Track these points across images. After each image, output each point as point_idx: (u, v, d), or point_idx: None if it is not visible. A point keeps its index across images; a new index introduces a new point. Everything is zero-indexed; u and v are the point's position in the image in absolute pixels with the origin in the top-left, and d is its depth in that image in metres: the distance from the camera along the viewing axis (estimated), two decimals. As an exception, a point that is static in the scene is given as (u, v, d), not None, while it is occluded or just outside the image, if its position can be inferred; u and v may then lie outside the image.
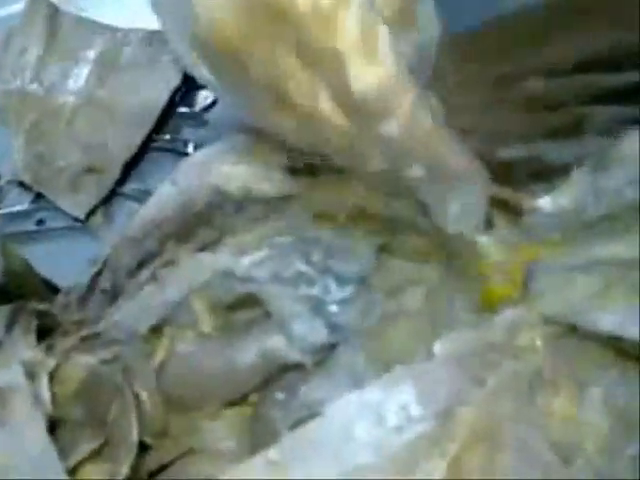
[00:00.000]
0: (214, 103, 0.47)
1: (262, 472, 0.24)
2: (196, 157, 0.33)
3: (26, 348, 0.28)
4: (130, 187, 0.45)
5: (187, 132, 0.46)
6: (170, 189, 0.32)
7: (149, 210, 0.33)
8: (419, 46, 0.24)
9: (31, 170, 0.47)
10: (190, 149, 0.46)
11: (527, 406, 0.23)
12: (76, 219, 0.43)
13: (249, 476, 0.24)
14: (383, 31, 0.23)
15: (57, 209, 0.44)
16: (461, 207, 0.25)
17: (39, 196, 0.45)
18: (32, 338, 0.29)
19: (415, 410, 0.24)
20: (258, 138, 0.32)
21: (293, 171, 0.31)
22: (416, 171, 0.25)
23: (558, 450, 0.23)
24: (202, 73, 0.29)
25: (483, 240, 0.28)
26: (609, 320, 0.24)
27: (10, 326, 0.29)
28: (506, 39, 0.34)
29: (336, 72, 0.24)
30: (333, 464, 0.24)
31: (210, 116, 0.46)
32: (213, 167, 0.31)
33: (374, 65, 0.23)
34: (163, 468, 0.27)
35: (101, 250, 0.35)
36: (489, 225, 0.29)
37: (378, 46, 0.23)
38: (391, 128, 0.24)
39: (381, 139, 0.24)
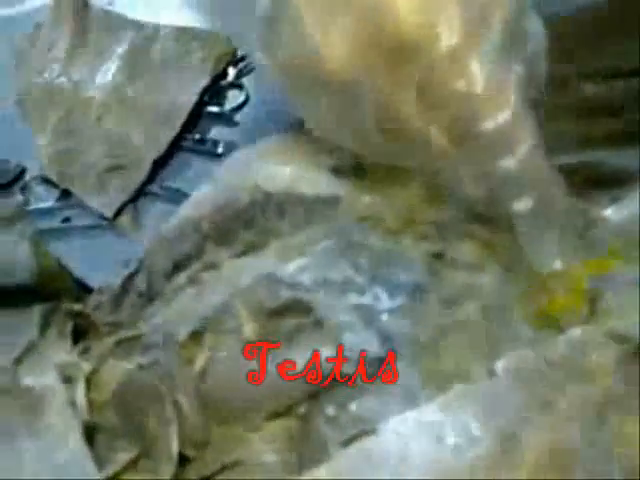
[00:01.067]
0: (244, 103, 0.46)
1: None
2: (238, 156, 0.31)
3: (61, 351, 0.27)
4: (158, 187, 0.44)
5: (217, 132, 0.45)
6: (210, 188, 0.31)
7: (187, 210, 0.31)
8: (529, 61, 0.24)
9: (57, 167, 0.46)
10: (220, 150, 0.45)
11: (597, 431, 0.22)
12: (103, 217, 0.42)
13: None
14: (511, 73, 0.24)
15: (84, 207, 0.43)
16: (558, 245, 0.25)
17: (65, 193, 0.44)
18: (67, 341, 0.28)
19: (476, 430, 0.23)
20: (303, 138, 0.31)
21: (339, 172, 0.29)
22: (523, 204, 0.24)
23: (630, 475, 0.22)
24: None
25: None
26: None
27: (44, 327, 0.28)
28: (564, 40, 0.33)
29: (458, 110, 0.24)
30: (387, 484, 0.23)
31: (240, 116, 0.45)
32: (256, 166, 0.30)
33: (502, 107, 0.24)
34: (204, 480, 0.25)
35: (128, 249, 0.35)
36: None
37: (506, 89, 0.24)
38: (509, 164, 0.25)
39: (496, 172, 0.24)
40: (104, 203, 0.42)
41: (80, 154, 0.44)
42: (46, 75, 0.49)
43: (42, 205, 0.43)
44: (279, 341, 0.26)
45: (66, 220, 0.42)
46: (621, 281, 0.25)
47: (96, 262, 0.36)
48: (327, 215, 0.29)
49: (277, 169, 0.30)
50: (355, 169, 0.29)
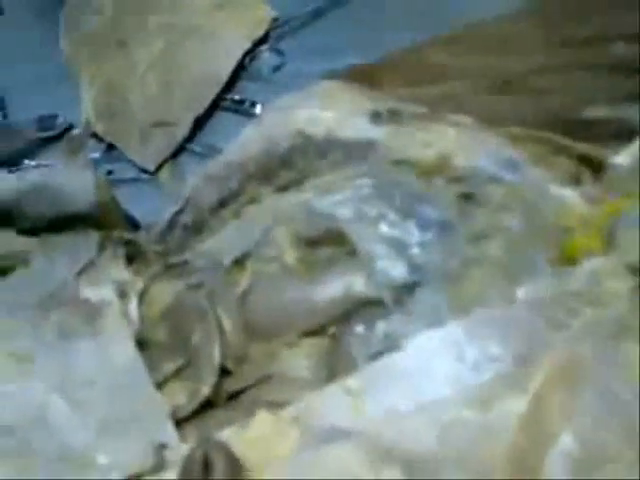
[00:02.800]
0: (282, 65, 0.48)
1: (339, 399, 0.25)
2: (281, 102, 0.33)
3: (116, 269, 0.29)
4: (198, 144, 0.46)
5: (255, 93, 0.47)
6: (255, 131, 0.33)
7: (233, 151, 0.33)
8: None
9: (103, 122, 0.48)
10: (258, 110, 0.47)
11: (609, 351, 0.24)
12: (145, 171, 0.44)
13: (326, 402, 0.25)
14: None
15: (127, 161, 0.45)
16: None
17: (110, 147, 0.46)
18: (121, 261, 0.30)
19: (495, 350, 0.25)
20: (344, 86, 0.32)
21: (377, 118, 0.31)
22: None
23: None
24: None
25: (568, 194, 0.28)
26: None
27: (101, 249, 0.30)
28: (592, 2, 0.34)
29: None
30: (411, 396, 0.25)
31: (278, 78, 0.47)
32: (298, 111, 0.32)
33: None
34: (242, 392, 0.28)
35: (167, 203, 0.37)
36: (575, 180, 0.29)
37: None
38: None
39: None
40: (146, 158, 0.45)
41: (124, 111, 0.47)
42: (93, 34, 0.51)
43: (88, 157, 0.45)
44: (316, 267, 0.28)
45: (109, 173, 0.45)
46: (636, 219, 0.26)
47: (136, 215, 0.38)
48: (364, 157, 0.30)
49: (318, 114, 0.32)
50: (393, 114, 0.31)
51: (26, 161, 0.46)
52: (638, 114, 0.31)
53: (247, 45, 0.48)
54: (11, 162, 0.46)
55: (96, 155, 0.47)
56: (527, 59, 0.31)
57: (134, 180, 0.46)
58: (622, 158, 0.28)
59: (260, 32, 0.49)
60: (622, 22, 0.33)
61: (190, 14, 0.50)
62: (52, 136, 0.48)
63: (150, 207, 0.39)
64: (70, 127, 0.48)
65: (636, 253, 0.25)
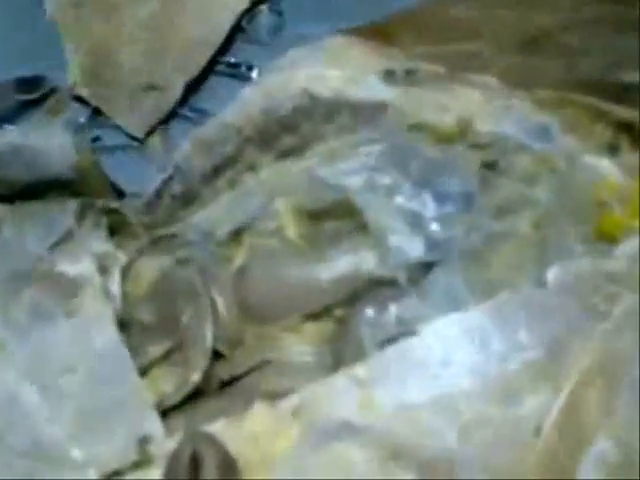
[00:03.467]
0: (281, 27, 0.45)
1: (346, 390, 0.22)
2: (284, 59, 0.30)
3: (97, 241, 0.26)
4: (190, 109, 0.43)
5: (252, 56, 0.44)
6: (254, 92, 0.30)
7: (229, 113, 0.30)
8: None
9: (89, 85, 0.45)
10: (254, 74, 0.44)
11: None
12: (133, 138, 0.41)
13: (331, 393, 0.22)
14: None
15: (114, 127, 0.41)
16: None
17: (97, 112, 0.43)
18: (103, 232, 0.27)
19: (523, 337, 0.22)
20: (354, 40, 0.29)
21: (391, 77, 0.28)
22: None
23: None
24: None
25: (604, 164, 0.25)
26: None
27: (81, 218, 0.27)
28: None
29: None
30: (427, 388, 0.22)
31: (276, 41, 0.44)
32: (303, 69, 0.29)
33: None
34: (236, 379, 0.25)
35: (156, 173, 0.34)
36: (612, 149, 0.26)
37: None
38: None
39: None
40: (135, 123, 0.41)
41: (112, 73, 0.43)
42: None
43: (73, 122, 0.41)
44: (321, 243, 0.26)
45: (96, 139, 0.41)
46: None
47: (124, 183, 0.35)
48: (377, 120, 0.27)
49: (325, 72, 0.28)
50: (408, 73, 0.27)
51: (5, 125, 0.43)
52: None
53: (245, 4, 0.45)
54: (-6, 126, 0.43)
55: (81, 120, 0.44)
56: (556, 14, 0.27)
57: (122, 147, 0.43)
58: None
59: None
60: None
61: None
62: (35, 99, 0.45)
63: (138, 176, 0.37)
64: (54, 90, 0.45)
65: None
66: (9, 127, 0.42)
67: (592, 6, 0.30)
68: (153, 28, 0.45)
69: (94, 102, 0.43)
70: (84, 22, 0.46)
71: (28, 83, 0.44)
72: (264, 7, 0.45)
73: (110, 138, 0.43)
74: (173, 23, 0.45)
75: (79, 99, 0.44)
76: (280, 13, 0.45)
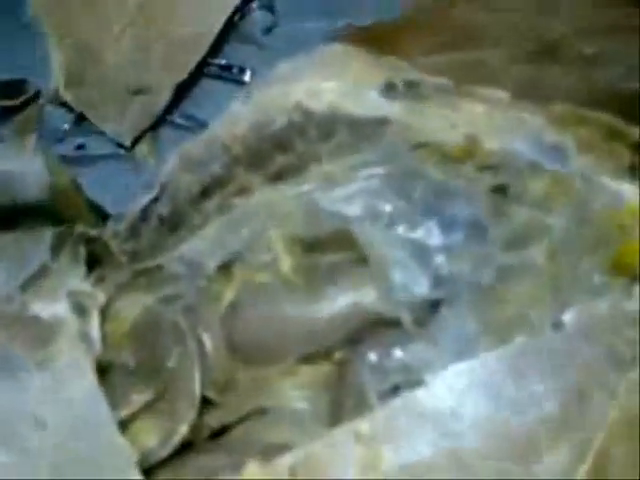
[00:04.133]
0: (275, 26, 0.44)
1: (348, 446, 0.20)
2: (276, 70, 0.28)
3: (74, 278, 0.24)
4: (180, 115, 0.42)
5: (244, 58, 0.43)
6: (243, 106, 0.28)
7: (216, 129, 0.28)
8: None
9: (73, 88, 0.44)
10: (247, 77, 0.43)
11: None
12: (120, 146, 0.41)
13: (332, 450, 0.20)
14: None
15: (100, 134, 0.41)
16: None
17: (81, 118, 0.42)
18: (81, 267, 0.25)
19: (540, 388, 0.20)
20: (353, 50, 0.27)
21: (393, 91, 0.26)
22: None
23: None
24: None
25: (625, 188, 0.23)
26: None
27: (56, 251, 0.25)
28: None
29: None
30: (437, 443, 0.20)
31: (270, 41, 0.42)
32: (296, 81, 0.27)
33: None
34: (228, 428, 0.23)
35: (145, 181, 0.32)
36: (632, 171, 0.24)
37: None
38: None
39: None
40: (121, 130, 0.41)
41: (97, 75, 0.42)
42: None
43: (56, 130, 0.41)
44: (318, 277, 0.24)
45: (80, 147, 0.41)
46: None
47: (111, 193, 0.35)
48: (377, 139, 0.25)
49: (321, 84, 0.26)
50: (410, 86, 0.25)
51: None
52: None
53: (236, 1, 0.44)
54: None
55: (65, 127, 0.43)
56: (573, 19, 0.26)
57: (107, 157, 0.43)
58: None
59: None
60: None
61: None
62: (15, 106, 0.43)
63: (123, 192, 0.36)
64: (37, 95, 0.44)
65: None
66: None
67: (609, 10, 0.28)
68: (140, 25, 0.44)
69: (78, 107, 0.42)
70: (68, 17, 0.45)
71: (8, 86, 0.43)
72: (256, 4, 0.44)
73: (95, 146, 0.42)
74: (161, 19, 0.44)
75: (62, 103, 0.43)
76: (273, 10, 0.43)
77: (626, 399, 0.19)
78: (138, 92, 0.43)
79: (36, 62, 0.43)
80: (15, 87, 0.43)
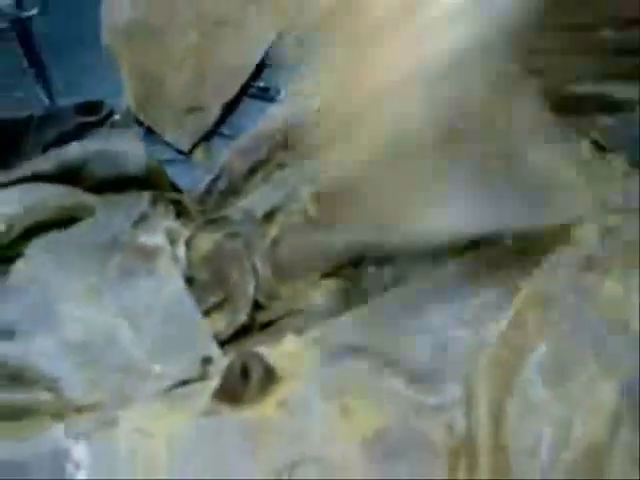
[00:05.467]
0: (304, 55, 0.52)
1: (353, 324, 0.30)
2: (302, 86, 0.39)
3: (168, 220, 0.35)
4: (228, 128, 0.49)
5: (279, 81, 0.51)
6: (280, 108, 0.38)
7: (260, 126, 0.39)
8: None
9: (142, 108, 0.52)
10: (282, 96, 0.51)
11: (579, 282, 0.29)
12: (180, 152, 0.48)
13: (342, 326, 0.30)
14: None
15: (165, 143, 0.48)
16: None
17: (149, 131, 0.49)
18: (172, 214, 0.36)
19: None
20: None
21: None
22: None
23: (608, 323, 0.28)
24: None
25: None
26: None
27: (153, 205, 0.36)
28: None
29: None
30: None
31: (302, 69, 0.52)
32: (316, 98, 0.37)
33: None
34: (272, 323, 0.33)
35: (201, 180, 0.41)
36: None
37: None
38: None
39: None
40: (181, 140, 0.47)
41: (161, 97, 0.49)
42: (129, 26, 0.55)
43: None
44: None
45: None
46: None
47: (180, 181, 0.41)
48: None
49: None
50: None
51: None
52: (622, 91, 0.36)
53: (273, 35, 0.52)
54: (57, 146, 0.50)
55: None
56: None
57: (171, 161, 0.50)
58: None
59: (285, 22, 0.52)
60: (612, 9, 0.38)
61: (220, 5, 0.54)
62: (95, 121, 0.52)
63: (189, 179, 0.44)
64: (112, 113, 0.52)
65: None
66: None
67: (557, 35, 0.37)
68: (195, 57, 0.53)
69: (146, 122, 0.51)
70: (136, 51, 0.54)
71: (91, 106, 0.52)
72: (289, 37, 0.52)
73: (161, 153, 0.50)
74: (212, 52, 0.52)
75: (134, 119, 0.52)
76: (302, 42, 0.52)
77: (536, 283, 0.29)
78: (193, 110, 0.52)
79: (111, 87, 0.53)
80: (95, 107, 0.53)
